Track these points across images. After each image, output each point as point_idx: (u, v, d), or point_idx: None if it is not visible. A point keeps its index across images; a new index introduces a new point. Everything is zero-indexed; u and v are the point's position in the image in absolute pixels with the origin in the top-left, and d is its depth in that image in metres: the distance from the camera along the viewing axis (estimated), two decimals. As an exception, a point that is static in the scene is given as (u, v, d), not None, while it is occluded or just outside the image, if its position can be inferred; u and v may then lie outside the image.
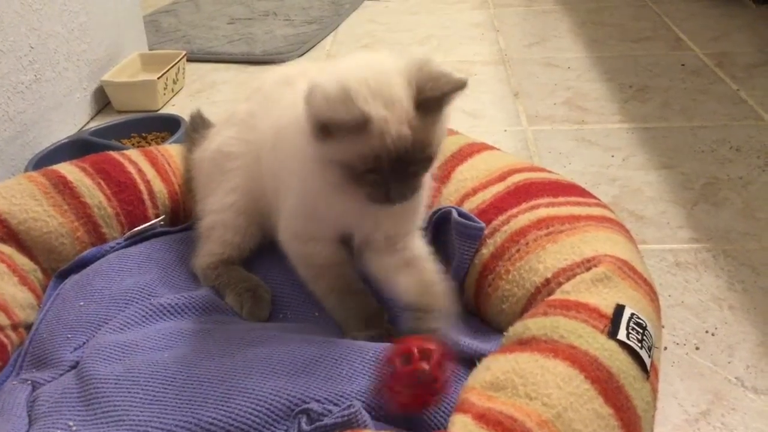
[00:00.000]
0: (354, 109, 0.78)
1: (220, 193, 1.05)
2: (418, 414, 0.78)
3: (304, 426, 0.74)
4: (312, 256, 0.97)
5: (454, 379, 0.80)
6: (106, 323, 0.97)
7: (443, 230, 1.02)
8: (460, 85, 0.82)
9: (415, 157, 0.82)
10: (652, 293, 0.86)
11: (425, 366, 0.75)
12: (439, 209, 1.03)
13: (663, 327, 1.02)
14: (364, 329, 0.92)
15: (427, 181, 0.91)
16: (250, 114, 1.06)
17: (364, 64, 0.84)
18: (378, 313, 0.95)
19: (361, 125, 0.78)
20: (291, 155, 0.92)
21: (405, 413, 0.78)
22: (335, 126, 0.78)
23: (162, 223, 1.19)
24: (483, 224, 0.98)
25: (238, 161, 1.05)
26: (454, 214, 0.99)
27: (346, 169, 0.82)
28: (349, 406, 0.73)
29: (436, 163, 0.89)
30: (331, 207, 0.91)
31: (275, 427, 0.75)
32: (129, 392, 0.81)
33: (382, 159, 0.80)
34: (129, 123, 1.71)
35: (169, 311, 0.98)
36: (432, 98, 0.81)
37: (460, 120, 1.75)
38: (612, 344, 0.75)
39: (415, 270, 0.94)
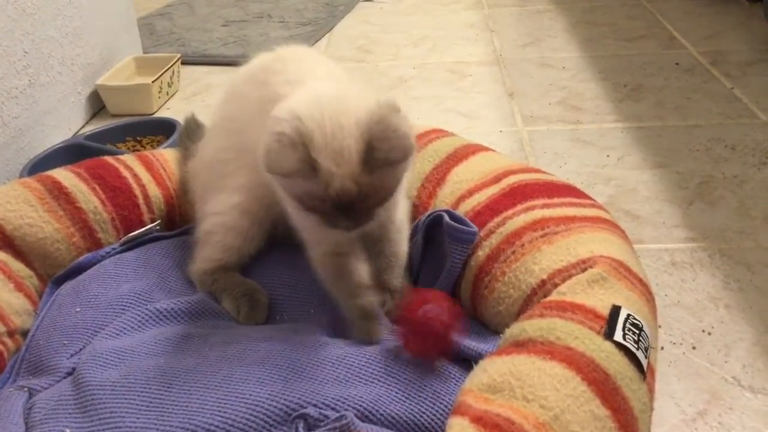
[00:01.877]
0: (295, 161, 0.80)
1: (225, 194, 1.04)
2: (428, 363, 0.83)
3: (301, 431, 0.74)
4: (314, 257, 0.98)
5: (461, 338, 0.85)
6: (103, 329, 0.97)
7: (437, 232, 1.02)
8: (408, 154, 0.83)
9: (360, 204, 0.83)
10: (648, 294, 0.86)
11: (436, 321, 0.82)
12: (432, 213, 1.03)
13: (660, 327, 1.02)
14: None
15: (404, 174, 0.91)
16: (231, 119, 1.07)
17: (325, 106, 0.84)
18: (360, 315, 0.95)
19: (307, 171, 0.80)
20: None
21: (416, 359, 0.84)
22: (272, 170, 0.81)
23: (158, 227, 1.19)
24: (475, 228, 0.98)
25: (238, 162, 1.04)
26: (446, 218, 0.99)
27: (297, 199, 0.85)
28: (341, 417, 0.73)
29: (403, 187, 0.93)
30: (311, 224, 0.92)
31: (272, 433, 0.75)
32: (125, 398, 0.81)
33: (326, 202, 0.82)
34: (124, 127, 1.70)
35: (165, 316, 0.98)
36: (378, 159, 0.82)
37: (455, 121, 1.75)
38: (608, 345, 0.75)
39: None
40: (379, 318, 0.93)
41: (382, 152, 0.81)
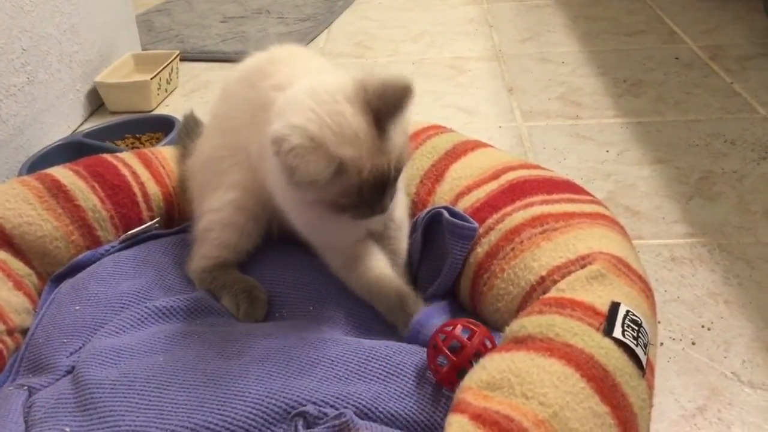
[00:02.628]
0: (322, 162, 0.79)
1: (221, 191, 1.05)
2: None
3: (300, 429, 0.74)
4: (331, 262, 0.99)
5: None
6: (102, 327, 0.97)
7: (435, 230, 1.02)
8: (407, 91, 0.83)
9: (392, 174, 0.85)
10: (647, 290, 0.86)
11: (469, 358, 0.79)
12: (431, 209, 1.03)
13: (659, 322, 1.02)
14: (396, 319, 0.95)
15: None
16: (225, 119, 1.07)
17: (313, 100, 0.84)
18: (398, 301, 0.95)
19: (338, 167, 0.80)
20: (280, 186, 0.93)
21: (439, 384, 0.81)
22: (306, 180, 0.79)
23: (157, 225, 1.19)
24: (476, 224, 0.98)
25: (232, 159, 1.04)
26: (446, 214, 0.99)
27: (328, 204, 0.85)
28: (339, 415, 0.73)
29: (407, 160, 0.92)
30: (330, 224, 0.93)
31: (272, 431, 0.75)
32: (125, 397, 0.81)
33: (363, 191, 0.83)
34: (123, 124, 1.70)
35: (164, 314, 0.98)
36: (389, 114, 0.83)
37: (454, 117, 1.75)
38: (607, 342, 0.75)
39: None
40: (413, 303, 0.94)
41: (387, 107, 0.82)
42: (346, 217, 0.87)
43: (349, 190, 0.83)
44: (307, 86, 0.89)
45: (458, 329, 0.82)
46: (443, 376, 0.80)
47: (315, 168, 0.79)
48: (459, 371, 0.78)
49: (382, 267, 0.98)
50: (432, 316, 0.91)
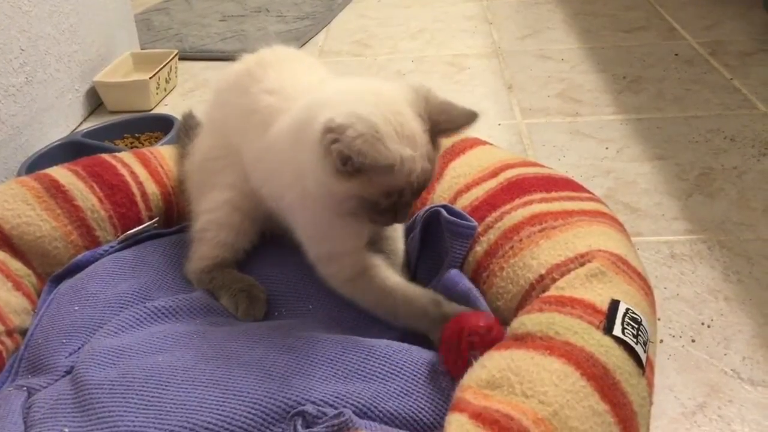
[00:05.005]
0: (388, 152, 0.79)
1: (216, 191, 1.05)
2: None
3: (299, 428, 0.74)
4: (336, 274, 0.97)
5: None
6: (101, 327, 0.97)
7: (433, 228, 1.02)
8: (472, 118, 0.86)
9: (429, 183, 0.87)
10: (646, 287, 0.86)
11: (476, 350, 0.80)
12: (429, 207, 1.03)
13: (659, 320, 1.02)
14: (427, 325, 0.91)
15: None
16: (218, 121, 1.07)
17: (374, 98, 0.84)
18: (432, 303, 0.92)
19: (392, 165, 0.80)
20: (286, 185, 0.93)
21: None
22: (370, 167, 0.79)
23: (155, 225, 1.19)
24: (475, 223, 0.98)
25: (227, 160, 1.04)
26: (444, 213, 0.99)
27: (366, 202, 0.84)
28: (339, 414, 0.73)
29: None
30: (338, 228, 0.93)
31: (271, 430, 0.75)
32: (124, 397, 0.81)
33: (405, 193, 0.84)
34: (122, 123, 1.70)
35: (163, 314, 0.98)
36: (446, 130, 0.86)
37: (453, 114, 1.74)
38: (607, 340, 0.74)
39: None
40: (445, 302, 0.91)
41: (448, 123, 0.85)
42: (364, 220, 0.87)
43: (393, 190, 0.83)
44: (357, 83, 0.90)
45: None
46: (449, 365, 0.83)
47: (386, 158, 0.78)
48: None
49: (396, 278, 0.95)
50: (459, 276, 0.93)
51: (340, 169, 0.80)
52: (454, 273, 0.93)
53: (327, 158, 0.81)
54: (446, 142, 1.15)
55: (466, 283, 0.92)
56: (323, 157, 0.81)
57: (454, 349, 0.82)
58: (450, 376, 0.82)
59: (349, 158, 0.78)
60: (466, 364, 0.78)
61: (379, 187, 0.83)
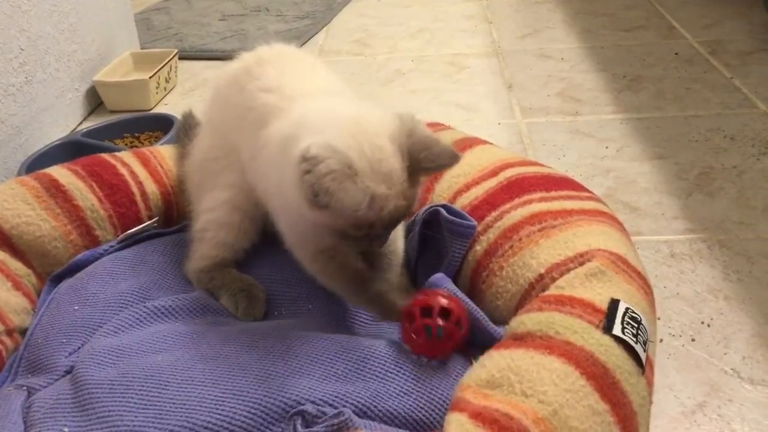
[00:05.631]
0: (356, 193, 0.76)
1: (216, 191, 1.05)
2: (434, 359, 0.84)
3: (299, 428, 0.73)
4: (305, 255, 0.96)
5: (468, 339, 0.85)
6: (101, 327, 0.97)
7: (433, 228, 1.02)
8: (454, 160, 0.83)
9: (403, 219, 0.86)
10: (646, 287, 0.86)
11: (440, 322, 0.82)
12: (428, 207, 1.02)
13: (659, 319, 1.02)
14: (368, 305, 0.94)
15: None
16: (216, 121, 1.07)
17: (355, 128, 0.82)
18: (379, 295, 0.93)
19: (369, 201, 0.78)
20: (272, 191, 0.93)
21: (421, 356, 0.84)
22: (336, 206, 0.77)
23: (155, 224, 1.19)
24: (474, 222, 0.98)
25: (226, 160, 1.04)
26: (444, 212, 0.99)
27: (335, 231, 0.84)
28: (338, 413, 0.73)
29: None
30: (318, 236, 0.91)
31: (271, 430, 0.75)
32: (123, 397, 0.81)
33: (375, 227, 0.83)
34: (121, 123, 1.70)
35: (163, 314, 0.98)
36: (426, 169, 0.83)
37: (453, 114, 1.75)
38: (607, 339, 0.74)
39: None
40: (390, 301, 0.92)
41: (428, 162, 0.82)
42: (341, 243, 0.87)
43: (363, 224, 0.82)
44: (344, 108, 0.88)
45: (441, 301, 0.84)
46: (410, 344, 0.84)
47: (351, 198, 0.76)
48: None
49: (357, 265, 0.95)
50: (445, 279, 0.91)
51: (311, 200, 0.79)
52: (438, 276, 0.92)
53: (301, 185, 0.79)
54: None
55: (449, 286, 0.90)
56: (298, 183, 0.79)
57: (409, 320, 0.84)
58: (414, 353, 0.84)
59: (317, 194, 0.77)
60: (425, 336, 0.82)
61: (348, 220, 0.81)
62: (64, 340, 0.96)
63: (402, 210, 0.83)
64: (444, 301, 0.84)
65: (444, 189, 1.08)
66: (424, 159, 0.81)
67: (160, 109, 1.89)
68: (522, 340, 0.77)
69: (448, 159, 0.83)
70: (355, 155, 0.79)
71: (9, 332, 0.99)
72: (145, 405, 0.79)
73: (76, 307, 1.01)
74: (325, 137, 0.80)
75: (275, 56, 1.04)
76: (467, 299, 0.88)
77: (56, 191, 1.12)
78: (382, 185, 0.80)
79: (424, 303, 0.84)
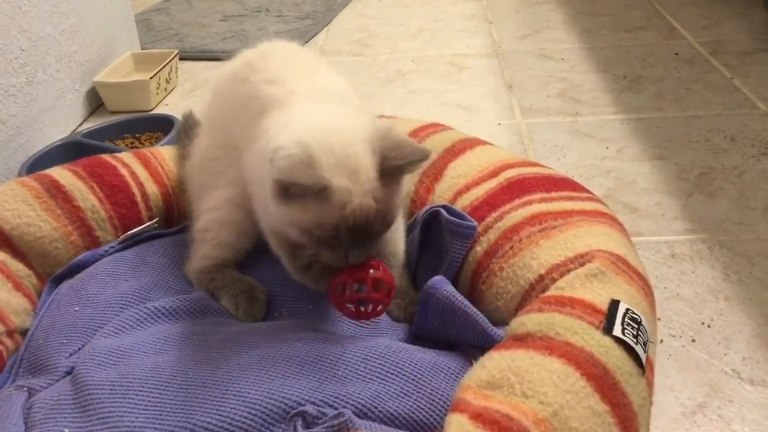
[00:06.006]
0: (315, 175, 0.78)
1: (218, 191, 1.05)
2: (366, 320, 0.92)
3: (299, 429, 0.74)
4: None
5: (392, 294, 0.89)
6: (101, 328, 0.97)
7: (433, 229, 1.02)
8: (423, 156, 0.83)
9: (376, 225, 0.83)
10: (646, 287, 0.86)
11: (359, 295, 0.86)
12: (429, 208, 1.03)
13: (659, 320, 1.02)
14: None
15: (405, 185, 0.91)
16: (217, 117, 1.07)
17: (328, 127, 0.84)
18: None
19: (321, 192, 0.79)
20: (257, 186, 0.93)
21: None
22: (295, 189, 0.79)
23: (156, 225, 1.19)
24: (475, 223, 0.98)
25: (228, 158, 1.04)
26: (444, 213, 0.99)
27: (305, 233, 0.83)
28: (339, 414, 0.73)
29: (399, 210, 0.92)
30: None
31: (271, 431, 0.75)
32: (124, 398, 0.81)
33: (340, 228, 0.81)
34: (122, 124, 1.70)
35: (164, 315, 0.98)
36: (396, 167, 0.82)
37: (454, 114, 1.75)
38: (607, 340, 0.74)
39: None
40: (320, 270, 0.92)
41: (397, 160, 0.82)
42: (318, 252, 0.86)
43: (327, 223, 0.81)
44: (323, 112, 0.89)
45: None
46: (350, 316, 0.89)
47: (305, 176, 0.78)
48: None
49: None
50: (444, 282, 0.91)
51: (275, 192, 0.80)
52: (437, 279, 0.91)
53: (270, 182, 0.82)
54: (446, 143, 1.15)
55: (448, 288, 0.90)
56: (269, 181, 0.82)
57: (342, 290, 0.87)
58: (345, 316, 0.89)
59: (279, 181, 0.79)
60: (357, 306, 0.87)
61: (311, 216, 0.81)
62: (64, 341, 0.96)
63: (370, 211, 0.81)
64: (376, 273, 0.86)
65: (444, 190, 1.08)
66: (394, 157, 0.82)
67: (160, 110, 1.89)
68: (522, 340, 0.77)
69: (418, 155, 0.83)
70: (320, 150, 0.80)
71: (9, 333, 0.99)
72: (146, 406, 0.80)
73: (76, 308, 1.01)
74: (297, 134, 0.82)
75: (278, 51, 1.04)
76: (466, 302, 0.88)
77: (57, 192, 1.12)
78: (343, 179, 0.80)
79: (339, 280, 0.87)
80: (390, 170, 0.82)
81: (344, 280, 0.87)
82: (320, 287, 0.92)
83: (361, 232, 0.82)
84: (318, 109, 0.90)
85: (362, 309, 0.87)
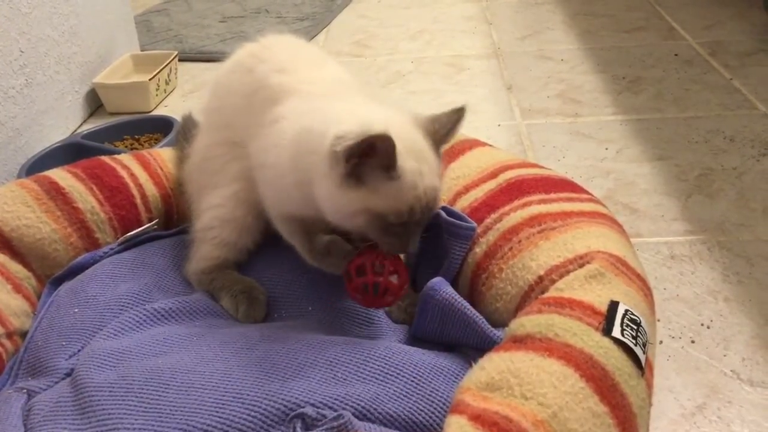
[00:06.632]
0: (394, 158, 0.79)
1: (219, 189, 1.04)
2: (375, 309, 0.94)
3: (299, 431, 0.73)
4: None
5: (404, 289, 0.90)
6: (101, 330, 0.97)
7: (433, 230, 1.02)
8: (462, 112, 0.87)
9: (437, 205, 0.86)
10: (645, 288, 0.86)
11: (377, 279, 0.87)
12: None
13: (658, 321, 1.02)
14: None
15: None
16: (218, 113, 1.07)
17: (380, 116, 0.85)
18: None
19: (394, 174, 0.80)
20: (272, 175, 0.94)
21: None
22: (370, 164, 0.79)
23: (155, 227, 1.19)
24: (474, 224, 0.98)
25: (230, 155, 1.04)
26: (443, 214, 0.99)
27: (374, 219, 0.83)
28: (338, 416, 0.73)
29: None
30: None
31: (270, 433, 0.75)
32: (123, 400, 0.81)
33: (415, 211, 0.83)
34: (121, 125, 1.70)
35: (163, 316, 0.98)
36: (445, 135, 0.86)
37: (453, 115, 1.74)
38: (607, 342, 0.74)
39: None
40: (338, 253, 0.94)
41: (441, 129, 0.86)
42: (379, 243, 0.87)
43: (402, 207, 0.82)
44: (360, 104, 0.90)
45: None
46: (360, 303, 0.91)
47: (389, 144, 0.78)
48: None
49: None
50: (443, 284, 0.91)
51: (340, 177, 0.80)
52: (436, 281, 0.92)
53: (335, 168, 0.80)
54: (445, 145, 1.15)
55: (448, 289, 0.90)
56: (331, 168, 0.81)
57: (348, 279, 0.89)
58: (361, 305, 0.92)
59: (351, 149, 0.77)
60: (363, 292, 0.88)
61: (385, 199, 0.81)
62: (64, 343, 0.96)
63: (436, 191, 0.84)
64: (375, 257, 0.88)
65: (444, 191, 1.07)
66: (439, 128, 0.86)
67: (160, 111, 1.89)
68: (521, 342, 0.77)
69: (456, 114, 0.87)
70: (391, 132, 0.78)
71: (9, 335, 0.99)
72: (145, 408, 0.79)
73: (76, 310, 1.01)
74: (360, 121, 0.81)
75: (282, 42, 1.05)
76: (465, 303, 0.88)
77: (56, 194, 1.12)
78: (414, 162, 0.82)
79: (357, 263, 0.88)
80: (440, 142, 0.86)
81: (363, 261, 0.88)
82: (339, 271, 0.92)
83: (426, 215, 0.85)
84: (360, 103, 0.91)
85: (375, 294, 0.88)
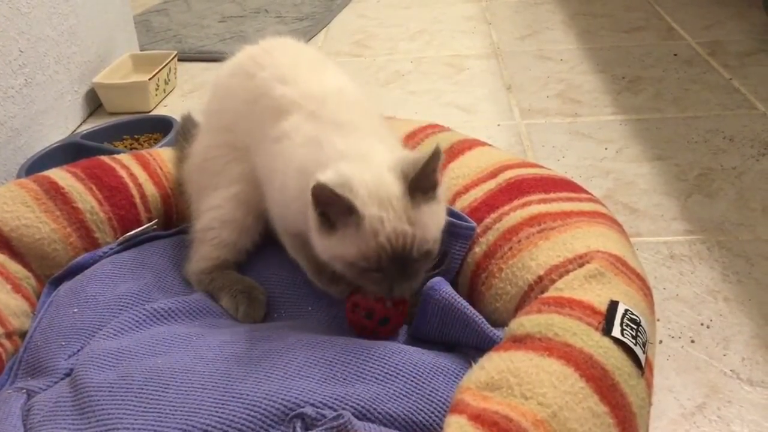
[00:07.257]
0: (354, 198, 0.81)
1: (220, 190, 1.05)
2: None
3: (299, 431, 0.73)
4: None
5: (398, 330, 0.93)
6: (100, 329, 0.97)
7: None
8: (434, 154, 0.83)
9: (414, 251, 0.84)
10: (645, 288, 0.86)
11: (364, 322, 0.90)
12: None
13: (658, 320, 1.02)
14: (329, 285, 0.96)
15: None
16: (218, 115, 1.07)
17: (360, 160, 0.86)
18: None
19: (356, 221, 0.81)
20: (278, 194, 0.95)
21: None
22: (332, 211, 0.82)
23: (155, 227, 1.19)
24: (474, 224, 0.98)
25: (230, 156, 1.04)
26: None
27: (351, 267, 0.85)
28: (338, 416, 0.73)
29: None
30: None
31: (270, 433, 0.75)
32: (123, 400, 0.81)
33: (381, 258, 0.83)
34: (121, 125, 1.70)
35: (163, 316, 0.98)
36: (417, 178, 0.83)
37: (453, 115, 1.75)
38: (606, 341, 0.74)
39: None
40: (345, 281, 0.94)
41: (416, 174, 0.83)
42: (366, 284, 0.88)
43: (368, 253, 0.83)
44: (354, 148, 0.90)
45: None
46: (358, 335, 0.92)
47: (346, 194, 0.80)
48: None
49: None
50: (443, 283, 0.91)
51: (317, 224, 0.84)
52: (436, 280, 0.91)
53: (313, 214, 0.84)
54: (445, 144, 1.15)
55: (447, 289, 0.90)
56: (312, 212, 0.84)
57: (352, 301, 0.92)
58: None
59: (317, 200, 0.81)
60: (357, 319, 0.91)
61: (351, 248, 0.83)
62: (63, 343, 0.96)
63: (406, 236, 0.83)
64: (385, 310, 0.90)
65: (443, 191, 1.08)
66: (412, 170, 0.83)
67: (159, 111, 1.89)
68: (521, 342, 0.77)
69: (428, 156, 0.83)
70: (356, 182, 0.82)
71: (8, 335, 0.99)
72: (145, 408, 0.79)
73: (75, 310, 1.01)
74: (334, 170, 0.84)
75: (282, 47, 1.04)
76: (465, 303, 0.88)
77: (56, 194, 1.12)
78: (375, 208, 0.82)
79: (353, 300, 0.91)
80: (414, 185, 0.83)
81: (356, 302, 0.90)
82: (343, 296, 0.94)
83: (403, 261, 0.84)
84: (350, 133, 0.91)
85: (366, 327, 0.91)
